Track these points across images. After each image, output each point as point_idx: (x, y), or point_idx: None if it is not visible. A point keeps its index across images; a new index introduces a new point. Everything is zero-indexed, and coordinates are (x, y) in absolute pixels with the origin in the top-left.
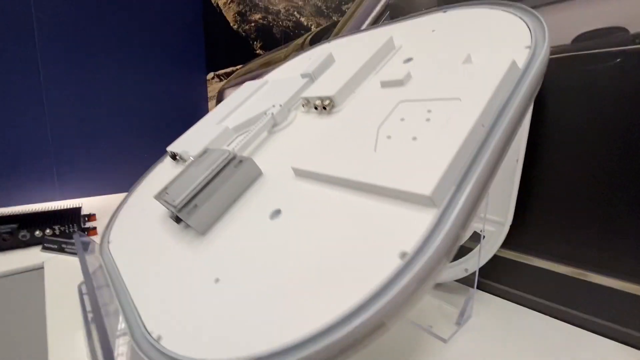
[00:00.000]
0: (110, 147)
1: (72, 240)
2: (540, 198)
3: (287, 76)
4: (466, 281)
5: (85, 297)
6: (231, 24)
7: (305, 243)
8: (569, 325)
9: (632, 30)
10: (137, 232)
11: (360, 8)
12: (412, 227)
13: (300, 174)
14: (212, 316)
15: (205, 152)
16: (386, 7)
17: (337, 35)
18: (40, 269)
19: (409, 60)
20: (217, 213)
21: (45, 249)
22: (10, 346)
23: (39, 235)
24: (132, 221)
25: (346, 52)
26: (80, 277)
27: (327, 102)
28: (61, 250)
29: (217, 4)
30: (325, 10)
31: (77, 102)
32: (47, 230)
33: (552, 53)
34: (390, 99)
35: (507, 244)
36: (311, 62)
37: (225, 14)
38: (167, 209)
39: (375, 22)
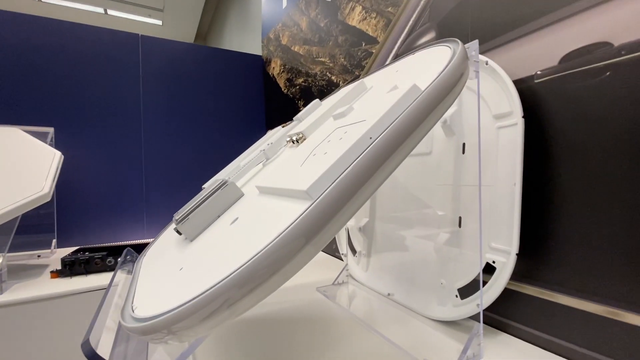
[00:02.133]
0: (190, 194)
1: None
2: (560, 229)
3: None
4: (490, 322)
5: None
6: (282, 89)
7: (238, 236)
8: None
9: (617, 43)
10: (162, 244)
11: (375, 62)
12: (292, 212)
13: (261, 190)
14: (168, 291)
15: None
16: (396, 57)
17: None
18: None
19: (363, 94)
20: (203, 224)
21: (123, 271)
22: None
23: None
24: (163, 242)
25: (331, 100)
26: None
27: (300, 137)
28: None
29: (273, 74)
30: (349, 68)
31: (165, 158)
32: (128, 257)
33: (543, 76)
34: (332, 127)
35: (527, 277)
36: (303, 113)
37: (278, 81)
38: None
39: None
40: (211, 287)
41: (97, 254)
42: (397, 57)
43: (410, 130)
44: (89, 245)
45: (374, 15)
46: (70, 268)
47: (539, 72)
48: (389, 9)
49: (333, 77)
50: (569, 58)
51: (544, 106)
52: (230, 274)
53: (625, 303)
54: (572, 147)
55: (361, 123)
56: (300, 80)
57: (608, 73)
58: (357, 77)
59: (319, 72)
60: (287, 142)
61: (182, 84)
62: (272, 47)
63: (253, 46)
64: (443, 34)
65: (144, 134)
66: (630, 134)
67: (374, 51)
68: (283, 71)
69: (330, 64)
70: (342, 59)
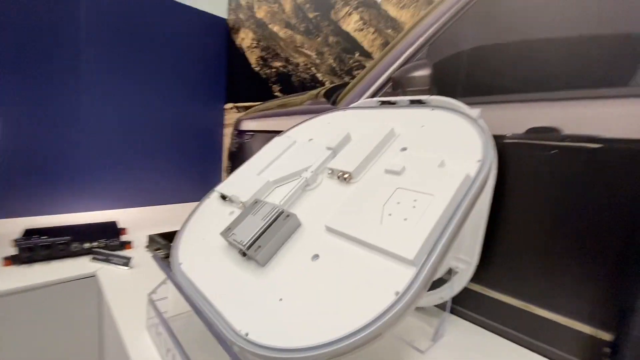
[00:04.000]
0: (137, 163)
1: (117, 253)
2: (500, 247)
3: (311, 140)
4: (442, 307)
5: (157, 304)
6: (253, 66)
7: (337, 279)
8: (514, 344)
9: (565, 131)
10: (204, 257)
11: (367, 77)
12: (402, 276)
13: (331, 230)
14: (280, 321)
15: (256, 202)
16: (389, 80)
17: (347, 93)
18: (92, 277)
19: (404, 149)
20: (273, 252)
21: (94, 259)
22: (66, 345)
23: (87, 247)
24: (196, 248)
25: (359, 131)
26: (135, 287)
27: (347, 175)
28: (108, 261)
29: (241, 46)
30: (338, 72)
31: (109, 123)
32: (94, 243)
33: (512, 138)
34: (391, 184)
35: (475, 279)
36: (333, 137)
37: (248, 56)
38: (233, 245)
39: (378, 91)
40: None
41: (59, 238)
42: (396, 83)
43: (470, 207)
44: (40, 227)
45: (372, 30)
46: (27, 254)
47: (509, 135)
48: (389, 30)
49: (319, 75)
50: (533, 131)
51: (507, 159)
52: (349, 335)
53: (535, 301)
54: (516, 191)
55: (429, 196)
56: (279, 64)
57: (555, 150)
58: (346, 84)
59: (302, 64)
60: (329, 173)
61: (129, 36)
62: (243, 15)
63: (214, 5)
64: (437, 75)
65: (85, 90)
66: (553, 197)
67: (367, 65)
68: (256, 47)
69: (317, 60)
70: (331, 60)
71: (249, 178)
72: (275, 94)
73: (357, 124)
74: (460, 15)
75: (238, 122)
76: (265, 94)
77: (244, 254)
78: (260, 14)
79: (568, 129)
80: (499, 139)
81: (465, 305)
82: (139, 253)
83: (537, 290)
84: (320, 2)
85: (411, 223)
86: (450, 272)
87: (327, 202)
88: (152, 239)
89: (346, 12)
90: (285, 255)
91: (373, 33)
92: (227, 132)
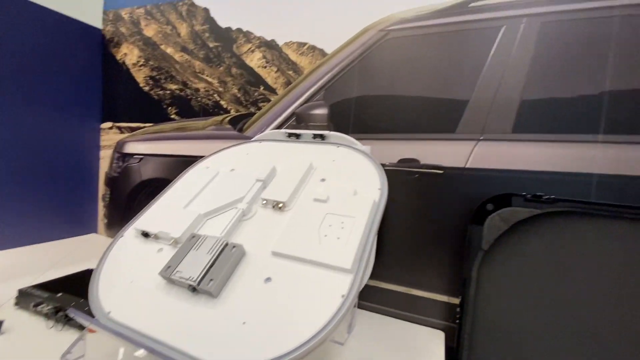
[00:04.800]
0: None
1: None
2: (386, 247)
3: (234, 171)
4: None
5: None
6: (141, 85)
7: (293, 294)
8: (404, 321)
9: (422, 161)
10: (139, 301)
11: (273, 110)
12: (344, 282)
13: (278, 254)
14: (249, 342)
15: (194, 237)
16: (292, 114)
17: (254, 122)
18: None
19: (323, 180)
20: (225, 282)
21: None
22: None
23: None
24: (124, 293)
25: (282, 163)
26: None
27: (281, 205)
28: None
29: (124, 62)
30: (244, 102)
31: None
32: None
33: (389, 166)
34: (321, 210)
35: (371, 276)
36: (259, 169)
37: (134, 74)
38: (179, 283)
39: (284, 123)
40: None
41: None
42: (300, 118)
43: (378, 223)
44: None
45: (274, 69)
46: None
47: (387, 163)
48: (290, 72)
49: (223, 102)
50: (402, 161)
51: (389, 182)
52: (317, 334)
53: (412, 285)
54: (393, 204)
55: (352, 218)
56: (174, 86)
57: (417, 175)
58: (252, 113)
59: (202, 89)
60: (263, 203)
61: None
62: (125, 29)
63: (86, 13)
64: (333, 113)
65: None
66: (416, 207)
67: (272, 99)
68: (143, 65)
69: (220, 88)
70: (236, 90)
71: (175, 212)
72: (172, 116)
73: (277, 157)
74: (349, 69)
75: (121, 144)
76: (158, 116)
77: (194, 289)
78: (149, 32)
79: (424, 160)
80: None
81: (366, 299)
82: (8, 313)
83: (413, 277)
84: (221, 34)
85: (343, 240)
86: None
87: (267, 230)
88: (25, 293)
89: (249, 49)
90: (237, 283)
91: (276, 72)
92: (105, 155)
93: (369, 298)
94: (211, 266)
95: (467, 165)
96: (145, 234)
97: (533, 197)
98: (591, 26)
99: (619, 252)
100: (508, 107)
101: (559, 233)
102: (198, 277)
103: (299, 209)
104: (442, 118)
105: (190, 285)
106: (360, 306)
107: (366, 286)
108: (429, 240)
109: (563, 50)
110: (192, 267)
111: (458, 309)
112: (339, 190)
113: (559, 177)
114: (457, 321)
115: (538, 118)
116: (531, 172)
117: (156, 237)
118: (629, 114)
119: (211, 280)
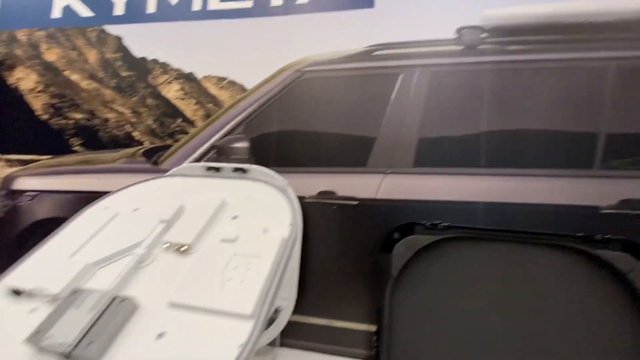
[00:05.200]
0: None
1: None
2: (309, 280)
3: (137, 211)
4: (273, 343)
5: None
6: (38, 113)
7: (187, 352)
8: (326, 355)
9: (339, 194)
10: None
11: (191, 142)
12: (243, 330)
13: (175, 305)
14: None
15: (76, 292)
16: (213, 147)
17: (171, 154)
18: None
19: (235, 217)
20: (108, 343)
21: None
22: None
23: None
24: None
25: (192, 201)
26: None
27: (185, 247)
28: None
29: (18, 87)
30: (160, 134)
31: None
32: None
33: (309, 198)
34: (228, 252)
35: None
36: (165, 208)
37: (30, 101)
38: (49, 351)
39: (203, 156)
40: None
41: None
42: (220, 151)
43: (287, 262)
44: None
45: (193, 101)
46: None
47: (307, 196)
48: (210, 105)
49: (136, 134)
50: (322, 193)
51: (308, 213)
52: None
53: (335, 318)
54: (315, 235)
55: (258, 258)
56: (79, 116)
57: (335, 206)
58: (169, 146)
59: (113, 120)
60: (165, 247)
61: None
62: (21, 51)
63: None
64: (254, 147)
65: None
66: (336, 238)
67: (190, 131)
68: (42, 91)
69: (133, 119)
70: (151, 122)
71: (58, 263)
72: (75, 148)
73: (188, 194)
74: (269, 105)
75: (10, 179)
76: (57, 147)
77: (67, 357)
78: (51, 56)
79: (341, 192)
80: (301, 199)
81: (291, 336)
82: None
83: (335, 308)
84: (135, 63)
85: (247, 284)
86: (276, 311)
87: (166, 278)
88: None
89: (165, 80)
90: (124, 342)
91: (195, 104)
92: None
93: (293, 335)
94: (92, 326)
95: (378, 197)
96: (17, 292)
97: (431, 225)
98: (471, 76)
99: (502, 271)
100: (409, 144)
101: (455, 256)
102: (73, 342)
103: (204, 251)
104: (355, 153)
105: (61, 353)
106: (285, 344)
107: (291, 323)
108: (348, 269)
109: (450, 95)
110: (68, 330)
111: (374, 337)
112: (249, 229)
113: (458, 206)
114: (375, 349)
115: (433, 154)
116: (433, 202)
117: (30, 295)
118: (503, 151)
119: (90, 343)
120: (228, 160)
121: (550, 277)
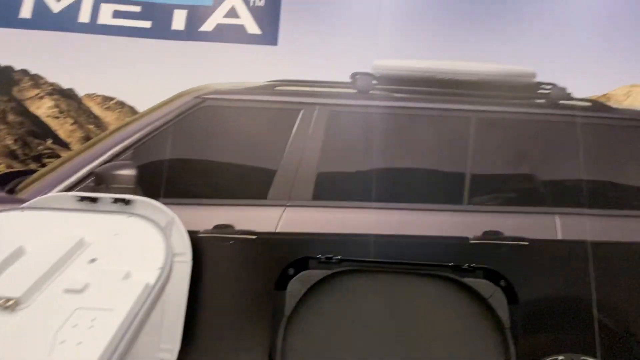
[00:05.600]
0: None
1: None
2: (200, 325)
3: None
4: None
5: None
6: None
7: None
8: None
9: (237, 227)
10: None
11: (63, 167)
12: None
13: None
14: None
15: None
16: (91, 174)
17: (34, 181)
18: None
19: (93, 260)
20: None
21: None
22: None
23: None
24: None
25: (39, 240)
26: None
27: (12, 302)
28: None
29: None
30: (20, 156)
31: None
32: None
33: (204, 233)
34: (70, 305)
35: None
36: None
37: None
38: None
39: (77, 185)
40: None
41: None
42: (100, 179)
43: (149, 311)
44: None
45: (70, 121)
46: None
47: (202, 230)
48: (91, 126)
49: None
50: (218, 227)
51: (202, 249)
52: None
53: None
54: (210, 274)
55: (108, 312)
56: None
57: (232, 241)
58: (32, 171)
59: None
60: None
61: None
62: None
63: None
64: (142, 175)
65: None
66: (235, 276)
67: (63, 155)
68: None
69: None
70: (11, 142)
71: None
72: None
73: (37, 231)
74: (163, 130)
75: None
76: None
77: None
78: None
79: (239, 226)
80: (193, 234)
81: None
82: None
83: (229, 353)
84: None
85: (84, 346)
86: None
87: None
88: None
89: (36, 95)
90: None
91: (72, 124)
92: None
93: None
94: None
95: (278, 230)
96: None
97: (326, 259)
98: (364, 117)
99: (388, 301)
100: (308, 177)
101: (347, 289)
102: None
103: (37, 306)
104: (255, 185)
105: None
106: None
107: None
108: (246, 309)
109: (346, 133)
110: None
111: None
112: (106, 274)
113: (353, 238)
114: None
115: (331, 187)
116: (331, 235)
117: None
118: (391, 186)
119: None
120: (109, 189)
121: (428, 303)
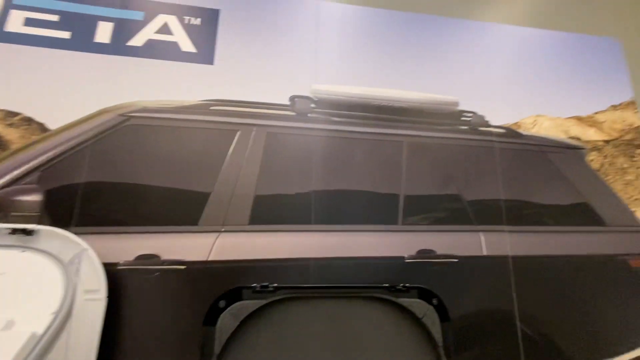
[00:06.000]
0: None
1: None
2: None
3: None
4: None
5: None
6: None
7: None
8: None
9: (163, 257)
10: None
11: None
12: None
13: None
14: None
15: None
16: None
17: None
18: None
19: None
20: None
21: None
22: None
23: None
24: None
25: None
26: None
27: None
28: None
29: None
30: None
31: None
32: None
33: (124, 265)
34: None
35: None
36: None
37: None
38: None
39: None
40: None
41: None
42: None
43: None
44: None
45: None
46: None
47: (123, 261)
48: None
49: None
50: (141, 257)
51: (121, 283)
52: None
53: None
54: (132, 309)
55: None
56: None
57: (158, 272)
58: None
59: None
60: None
61: None
62: None
63: None
64: (51, 201)
65: None
66: (161, 310)
67: None
68: None
69: None
70: None
71: None
72: None
73: None
74: (78, 150)
75: None
76: None
77: None
78: None
79: (165, 255)
80: (112, 266)
81: None
82: None
83: None
84: None
85: None
86: None
87: None
88: None
89: None
90: None
91: None
92: None
93: None
94: None
95: (210, 258)
96: None
97: (261, 287)
98: (302, 140)
99: (327, 327)
100: (245, 200)
101: (283, 319)
102: None
103: None
104: (185, 210)
105: None
106: None
107: None
108: (172, 349)
109: (284, 155)
110: None
111: None
112: None
113: (292, 263)
114: None
115: (269, 211)
116: (268, 261)
117: None
118: (329, 208)
119: None
120: (7, 217)
121: (367, 326)
